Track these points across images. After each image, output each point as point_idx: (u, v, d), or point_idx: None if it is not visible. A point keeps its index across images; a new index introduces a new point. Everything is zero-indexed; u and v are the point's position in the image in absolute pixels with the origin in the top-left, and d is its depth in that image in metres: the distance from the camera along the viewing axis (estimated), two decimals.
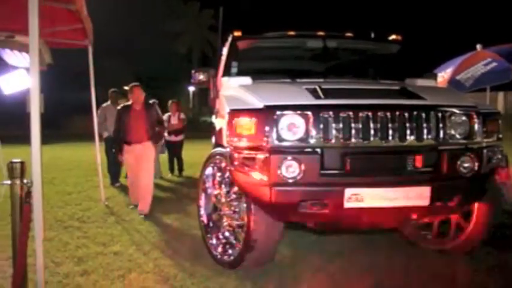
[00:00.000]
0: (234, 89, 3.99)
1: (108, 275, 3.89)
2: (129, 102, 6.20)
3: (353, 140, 3.31)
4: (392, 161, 3.44)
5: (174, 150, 9.90)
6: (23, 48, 5.47)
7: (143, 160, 6.08)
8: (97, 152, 7.12)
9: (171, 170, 9.97)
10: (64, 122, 27.55)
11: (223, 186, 4.04)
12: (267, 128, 3.26)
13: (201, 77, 5.26)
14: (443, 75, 6.92)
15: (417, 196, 3.30)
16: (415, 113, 3.39)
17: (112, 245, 4.75)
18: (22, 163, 2.55)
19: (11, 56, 5.86)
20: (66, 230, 5.34)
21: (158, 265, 4.13)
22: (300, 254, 4.34)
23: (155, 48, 32.78)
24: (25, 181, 2.56)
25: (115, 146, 6.56)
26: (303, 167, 3.21)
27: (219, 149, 4.03)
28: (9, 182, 2.55)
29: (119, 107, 6.45)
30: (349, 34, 5.29)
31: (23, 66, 6.08)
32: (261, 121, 3.28)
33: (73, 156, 14.28)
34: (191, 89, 33.71)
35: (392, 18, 24.90)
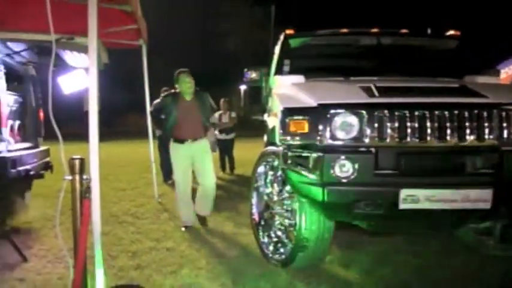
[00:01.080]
0: (287, 88, 3.96)
1: (161, 270, 3.97)
2: (177, 90, 5.44)
3: (409, 139, 3.20)
4: (451, 162, 3.30)
5: (225, 149, 10.00)
6: (82, 49, 5.66)
7: (203, 159, 5.36)
8: (150, 149, 7.29)
9: (223, 168, 10.07)
10: (119, 120, 28.44)
11: (275, 184, 4.02)
12: (320, 127, 3.21)
13: (253, 75, 5.26)
14: (507, 71, 6.59)
15: (478, 199, 3.14)
16: (475, 111, 3.23)
17: (165, 241, 4.85)
18: (82, 160, 2.64)
19: (71, 57, 6.09)
20: (120, 225, 5.51)
21: (210, 262, 4.17)
22: (352, 255, 4.26)
23: (205, 48, 33.20)
24: (84, 177, 2.65)
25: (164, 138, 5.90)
26: (356, 166, 3.13)
27: (271, 148, 4.01)
28: (70, 177, 2.65)
29: (163, 94, 6.04)
30: (404, 30, 5.14)
31: (81, 67, 6.31)
32: (315, 120, 3.23)
33: (127, 153, 14.72)
34: (242, 87, 33.84)
35: (450, 11, 24.00)
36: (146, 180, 8.68)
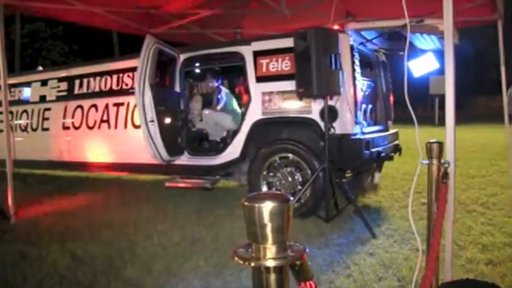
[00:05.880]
0: None
1: None
2: None
3: None
4: None
5: None
6: (432, 30, 5.59)
7: None
8: (506, 134, 6.62)
9: None
10: (466, 102, 26.92)
11: None
12: None
13: None
14: None
15: None
16: None
17: None
18: (440, 144, 2.59)
19: (419, 40, 6.11)
20: (469, 213, 5.23)
21: None
22: None
23: None
24: (442, 161, 2.59)
25: None
26: None
27: None
28: (427, 161, 2.64)
29: None
30: None
31: (430, 49, 6.26)
32: None
33: (476, 138, 13.73)
34: None
35: None
36: (499, 168, 7.96)
